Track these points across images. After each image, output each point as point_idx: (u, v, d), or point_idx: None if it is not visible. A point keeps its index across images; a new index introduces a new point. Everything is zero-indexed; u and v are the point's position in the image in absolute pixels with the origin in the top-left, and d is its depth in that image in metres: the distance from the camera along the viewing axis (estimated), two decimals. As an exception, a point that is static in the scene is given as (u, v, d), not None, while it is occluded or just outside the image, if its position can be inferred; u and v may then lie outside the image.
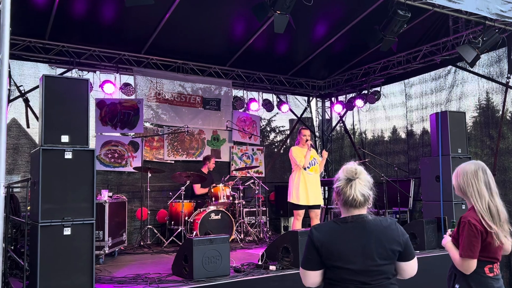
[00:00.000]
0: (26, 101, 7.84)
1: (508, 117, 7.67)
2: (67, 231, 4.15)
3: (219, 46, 9.00)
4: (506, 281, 7.13)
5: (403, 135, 10.01)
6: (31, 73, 8.05)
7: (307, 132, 6.82)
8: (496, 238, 2.72)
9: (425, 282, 5.54)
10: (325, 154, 6.82)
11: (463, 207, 2.85)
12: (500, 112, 7.74)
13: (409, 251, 2.33)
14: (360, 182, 2.27)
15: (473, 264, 2.73)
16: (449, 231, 3.07)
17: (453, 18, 7.63)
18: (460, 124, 7.05)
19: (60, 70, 8.25)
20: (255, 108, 10.29)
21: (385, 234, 2.26)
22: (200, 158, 9.35)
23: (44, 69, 8.13)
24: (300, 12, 6.46)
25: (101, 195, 6.31)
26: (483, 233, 2.71)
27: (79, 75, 8.32)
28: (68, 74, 8.14)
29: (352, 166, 2.32)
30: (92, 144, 7.15)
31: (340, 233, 2.25)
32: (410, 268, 2.36)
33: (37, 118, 7.60)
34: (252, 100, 10.28)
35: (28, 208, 4.86)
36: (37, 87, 7.60)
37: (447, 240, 2.95)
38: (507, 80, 7.56)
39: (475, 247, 2.71)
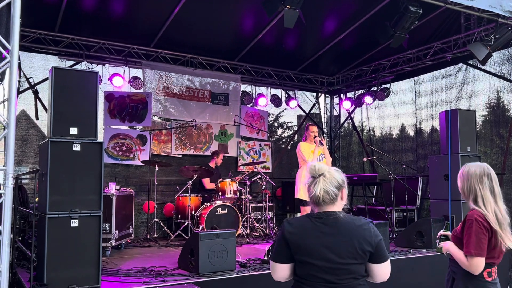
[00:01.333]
0: (36, 93, 7.88)
1: (518, 116, 7.59)
2: (74, 223, 4.17)
3: (228, 40, 8.98)
4: (511, 282, 7.07)
5: (411, 133, 9.94)
6: (41, 65, 8.08)
7: (314, 129, 6.78)
8: (500, 238, 2.69)
9: (432, 281, 5.52)
10: (323, 140, 6.68)
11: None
12: (511, 111, 7.65)
13: (381, 254, 2.26)
14: (325, 180, 2.26)
15: (482, 262, 2.70)
16: (441, 231, 3.04)
17: (465, 15, 7.54)
18: (470, 122, 6.99)
19: (69, 63, 8.27)
20: (263, 104, 10.27)
21: (356, 233, 2.22)
22: (208, 153, 9.35)
23: (54, 61, 8.15)
24: (310, 7, 6.42)
25: (108, 187, 6.34)
26: (489, 231, 2.69)
27: (88, 68, 8.35)
28: (78, 67, 8.16)
29: (313, 164, 2.33)
30: (100, 136, 7.19)
31: (310, 228, 2.24)
32: (381, 271, 2.29)
33: (46, 110, 7.64)
34: (260, 95, 10.26)
35: (36, 199, 4.89)
36: (46, 79, 7.63)
37: (449, 243, 2.90)
38: (519, 79, 7.47)
39: (484, 245, 2.69)
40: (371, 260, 2.26)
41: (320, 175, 2.27)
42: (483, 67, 7.92)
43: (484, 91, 8.27)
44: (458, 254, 2.80)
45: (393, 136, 10.41)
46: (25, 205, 6.17)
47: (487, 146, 8.16)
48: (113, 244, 6.09)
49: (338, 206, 2.29)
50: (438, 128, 8.46)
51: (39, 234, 4.36)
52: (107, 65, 8.66)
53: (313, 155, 6.53)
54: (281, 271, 2.31)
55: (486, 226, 2.69)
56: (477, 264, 2.70)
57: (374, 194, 9.61)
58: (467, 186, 2.83)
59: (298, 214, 7.81)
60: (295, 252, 2.23)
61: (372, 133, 10.76)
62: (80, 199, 4.23)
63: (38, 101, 7.89)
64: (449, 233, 3.00)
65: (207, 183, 8.28)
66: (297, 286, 2.29)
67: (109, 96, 8.60)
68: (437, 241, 3.06)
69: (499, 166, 7.64)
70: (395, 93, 10.12)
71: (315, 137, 6.65)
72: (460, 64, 8.62)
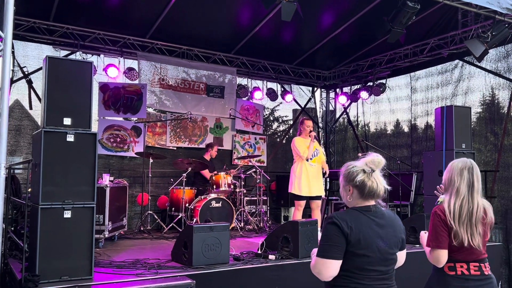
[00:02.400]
0: (29, 83, 7.81)
1: (512, 114, 7.60)
2: (67, 214, 4.15)
3: (224, 33, 8.92)
4: (505, 278, 7.13)
5: (406, 129, 9.95)
6: (35, 55, 8.00)
7: (310, 123, 6.77)
8: (454, 236, 2.67)
9: (423, 277, 5.54)
10: (312, 134, 6.67)
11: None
12: (505, 109, 7.67)
13: (405, 242, 2.44)
14: (379, 174, 2.33)
15: (442, 255, 2.72)
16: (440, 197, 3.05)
17: (462, 12, 7.53)
18: (465, 119, 7.01)
19: (64, 53, 8.18)
20: (259, 97, 10.24)
21: (397, 224, 2.37)
22: (203, 146, 9.33)
23: (48, 50, 8.07)
24: (308, 0, 6.38)
25: (102, 179, 6.31)
26: (449, 226, 2.69)
27: (83, 58, 8.26)
28: (72, 57, 8.07)
29: (377, 157, 2.32)
30: (94, 127, 7.15)
31: (365, 221, 2.27)
32: (403, 256, 2.45)
33: (40, 99, 7.57)
34: (256, 88, 10.23)
35: (29, 190, 4.86)
36: (40, 68, 7.55)
37: (424, 236, 2.93)
38: (515, 76, 7.48)
39: (442, 237, 2.71)
40: (400, 248, 2.39)
41: (377, 169, 2.30)
42: (479, 64, 7.92)
43: (479, 88, 8.28)
44: (424, 247, 2.89)
45: (388, 132, 10.42)
46: (18, 195, 6.14)
47: (481, 143, 8.18)
48: (106, 235, 6.07)
49: (377, 201, 2.37)
50: (433, 124, 8.46)
51: (32, 225, 4.33)
52: (102, 55, 8.59)
53: (309, 150, 6.52)
54: (334, 268, 2.22)
55: (443, 219, 2.71)
56: (437, 256, 2.73)
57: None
58: (448, 179, 2.86)
59: (292, 209, 7.82)
60: (353, 246, 2.21)
61: (367, 128, 10.76)
62: (73, 190, 4.20)
63: (32, 90, 7.82)
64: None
65: (207, 173, 8.26)
66: (347, 281, 2.25)
67: (103, 87, 8.54)
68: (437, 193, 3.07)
69: (492, 163, 7.67)
70: (391, 89, 10.12)
71: (310, 131, 6.64)
72: (456, 61, 8.62)
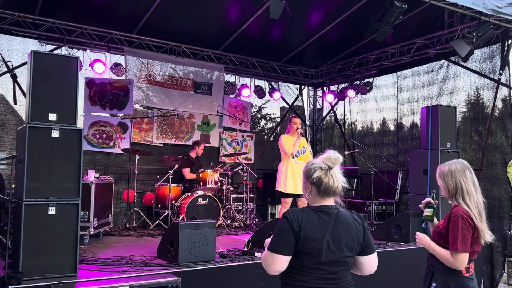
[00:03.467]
0: (14, 77, 7.69)
1: (496, 114, 7.71)
2: (51, 211, 4.10)
3: (212, 29, 8.89)
4: (487, 275, 7.24)
5: (392, 127, 10.03)
6: (20, 49, 7.88)
7: (297, 121, 6.79)
8: (482, 235, 2.75)
9: (409, 274, 5.61)
10: (298, 131, 6.67)
11: (449, 201, 2.87)
12: (489, 109, 7.78)
13: (370, 246, 2.37)
14: (338, 170, 2.29)
15: (467, 258, 2.76)
16: (428, 199, 3.08)
17: (448, 12, 7.61)
18: (450, 118, 7.08)
19: (49, 47, 8.08)
20: (247, 94, 10.23)
21: (354, 227, 2.29)
22: (190, 143, 9.30)
23: (34, 45, 7.95)
24: (296, -2, 6.40)
25: (87, 175, 6.25)
26: (473, 228, 2.75)
27: (69, 53, 8.17)
28: (58, 52, 7.97)
29: (334, 154, 2.30)
30: (80, 123, 7.05)
31: (316, 220, 2.24)
32: (369, 262, 2.38)
33: (24, 94, 7.46)
34: (244, 86, 10.21)
35: (13, 186, 4.79)
36: (25, 63, 7.46)
37: (429, 241, 2.93)
38: (499, 77, 7.58)
39: (468, 241, 2.75)
40: (361, 253, 2.34)
41: (333, 166, 2.27)
42: (464, 64, 8.01)
43: (464, 88, 8.37)
44: (440, 250, 2.84)
45: (374, 130, 10.49)
46: (1, 191, 6.05)
47: (465, 142, 8.28)
48: (91, 232, 6.02)
49: (335, 200, 2.33)
50: (419, 123, 8.55)
51: (15, 221, 4.28)
52: (88, 50, 8.49)
53: (294, 148, 6.54)
54: (282, 263, 2.23)
55: (470, 223, 2.75)
56: (462, 260, 2.76)
57: (354, 187, 9.70)
58: (452, 183, 2.86)
59: (279, 206, 7.84)
60: (301, 243, 2.20)
61: (353, 126, 10.82)
62: (58, 186, 4.15)
63: (16, 85, 7.70)
64: (436, 201, 3.06)
65: (187, 173, 8.24)
66: (292, 278, 2.26)
67: (90, 83, 8.45)
68: (422, 207, 3.10)
69: (476, 162, 7.77)
70: (378, 88, 10.19)
71: (297, 129, 6.66)
72: (442, 61, 8.71)
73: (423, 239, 2.97)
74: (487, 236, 2.79)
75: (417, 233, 3.02)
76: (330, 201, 2.30)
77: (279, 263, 2.23)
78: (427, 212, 3.07)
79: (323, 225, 2.23)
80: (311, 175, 2.29)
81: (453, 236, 2.76)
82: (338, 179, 2.27)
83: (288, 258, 2.23)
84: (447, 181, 2.90)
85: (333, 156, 2.28)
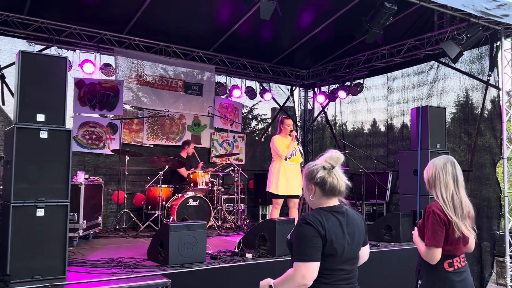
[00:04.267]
0: (2, 77, 7.62)
1: (485, 115, 7.77)
2: (40, 212, 4.06)
3: (203, 30, 8.86)
4: (477, 275, 7.28)
5: (382, 128, 10.07)
6: (8, 49, 7.79)
7: (290, 122, 6.78)
8: (456, 229, 2.77)
9: (399, 274, 5.62)
10: (293, 134, 6.68)
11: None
12: (479, 109, 7.84)
13: (367, 237, 2.48)
14: (340, 170, 2.31)
15: (437, 253, 2.80)
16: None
17: (438, 14, 7.65)
18: (440, 119, 7.13)
19: (38, 47, 7.99)
20: (238, 95, 10.22)
21: (360, 222, 2.38)
22: (180, 143, 9.26)
23: (22, 45, 7.86)
24: (287, -1, 6.40)
25: (77, 176, 6.20)
26: (446, 223, 2.78)
27: (58, 53, 8.09)
28: (47, 52, 7.90)
29: (335, 153, 2.30)
30: (69, 124, 7.03)
31: (334, 221, 2.25)
32: (365, 252, 2.47)
33: (12, 95, 7.38)
34: (235, 86, 10.20)
35: (1, 187, 4.74)
36: (13, 63, 7.37)
37: (415, 234, 3.02)
38: (488, 78, 7.64)
39: (439, 236, 2.78)
40: (362, 245, 2.41)
41: (335, 166, 2.28)
42: (454, 65, 8.07)
43: (454, 89, 8.43)
44: (419, 245, 2.94)
45: (365, 131, 10.53)
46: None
47: (455, 143, 8.34)
48: (80, 234, 5.97)
49: (340, 199, 2.35)
50: (409, 124, 8.59)
51: (3, 223, 4.22)
52: (78, 51, 8.42)
53: (288, 150, 6.53)
54: (316, 270, 2.16)
55: (442, 218, 2.78)
56: (432, 254, 2.80)
57: (345, 188, 9.70)
58: (431, 174, 2.93)
59: (270, 207, 7.83)
60: (328, 246, 2.18)
61: (344, 127, 10.86)
62: (46, 187, 4.12)
63: (4, 85, 7.63)
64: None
65: (184, 172, 8.20)
66: (316, 282, 2.19)
67: (79, 83, 8.39)
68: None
69: (466, 163, 7.83)
70: (368, 89, 10.23)
71: (291, 131, 6.65)
72: (432, 62, 8.76)
73: (413, 234, 3.06)
74: (463, 229, 2.78)
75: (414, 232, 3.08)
76: (335, 201, 2.31)
77: (314, 271, 2.14)
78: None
79: (341, 224, 2.25)
80: (314, 175, 2.28)
81: (426, 231, 2.85)
82: (342, 178, 2.28)
83: (319, 263, 2.17)
84: (428, 173, 2.96)
85: (335, 155, 2.29)
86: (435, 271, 2.84)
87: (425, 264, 2.88)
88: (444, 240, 2.79)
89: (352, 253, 2.26)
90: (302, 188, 2.48)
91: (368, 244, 2.47)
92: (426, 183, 2.99)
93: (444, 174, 2.86)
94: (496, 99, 7.50)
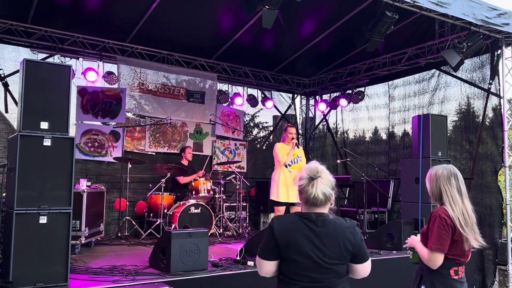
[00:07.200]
0: (6, 85, 7.67)
1: (487, 123, 7.78)
2: (43, 220, 4.08)
3: (205, 38, 8.92)
4: (479, 284, 7.26)
5: (384, 136, 10.09)
6: (12, 57, 7.86)
7: (293, 130, 6.80)
8: (466, 242, 2.77)
9: (401, 282, 5.61)
10: (293, 142, 6.68)
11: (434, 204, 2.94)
12: (480, 118, 7.85)
13: (362, 255, 2.37)
14: (322, 182, 2.31)
15: (440, 258, 2.79)
16: (410, 255, 3.13)
17: (439, 22, 7.69)
18: (441, 127, 7.15)
19: (42, 56, 8.05)
20: (240, 103, 10.25)
21: (343, 235, 2.30)
22: (182, 151, 9.27)
23: (26, 53, 7.92)
24: (289, 8, 6.43)
25: (79, 184, 6.21)
26: (453, 229, 2.77)
27: (62, 61, 8.16)
28: (50, 60, 7.96)
29: (314, 165, 2.36)
30: (72, 132, 7.04)
31: (300, 227, 2.28)
32: (361, 270, 2.41)
33: (16, 103, 7.43)
34: (236, 94, 10.23)
35: (4, 194, 4.76)
36: (17, 71, 7.43)
37: (416, 239, 3.00)
38: (489, 86, 7.67)
39: (445, 240, 2.78)
40: (352, 261, 2.35)
41: (318, 177, 2.30)
42: (455, 74, 8.10)
43: (455, 97, 8.45)
44: (420, 249, 2.91)
45: (366, 139, 10.54)
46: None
47: (456, 151, 8.34)
48: (82, 241, 5.98)
49: (327, 208, 2.35)
50: (410, 132, 8.61)
51: (6, 230, 4.24)
52: (81, 59, 8.47)
53: (288, 157, 6.54)
54: (267, 268, 2.34)
55: (449, 223, 2.78)
56: (435, 259, 2.80)
57: (347, 196, 9.72)
58: (436, 188, 2.92)
59: (272, 215, 7.84)
60: (284, 249, 2.27)
61: (346, 135, 10.87)
62: (49, 195, 4.14)
63: (8, 93, 7.68)
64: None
65: (181, 179, 8.21)
66: (282, 284, 2.33)
67: (82, 91, 8.43)
68: (407, 249, 3.13)
69: (468, 170, 7.83)
70: (370, 97, 10.25)
71: (292, 138, 6.67)
72: (433, 70, 8.79)
73: (412, 239, 3.03)
74: (474, 243, 2.81)
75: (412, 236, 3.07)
76: (318, 210, 2.32)
77: (264, 268, 2.35)
78: (411, 256, 3.10)
79: (307, 231, 2.26)
80: (297, 183, 2.37)
81: (430, 235, 2.84)
82: (318, 188, 2.28)
83: (272, 263, 2.32)
84: (432, 185, 2.96)
85: (313, 166, 2.35)
86: (441, 277, 2.83)
87: (430, 270, 2.87)
88: (451, 247, 2.79)
89: (321, 263, 2.24)
90: None
91: (365, 262, 2.38)
92: (431, 195, 2.98)
93: (450, 188, 2.86)
94: (498, 107, 7.51)
